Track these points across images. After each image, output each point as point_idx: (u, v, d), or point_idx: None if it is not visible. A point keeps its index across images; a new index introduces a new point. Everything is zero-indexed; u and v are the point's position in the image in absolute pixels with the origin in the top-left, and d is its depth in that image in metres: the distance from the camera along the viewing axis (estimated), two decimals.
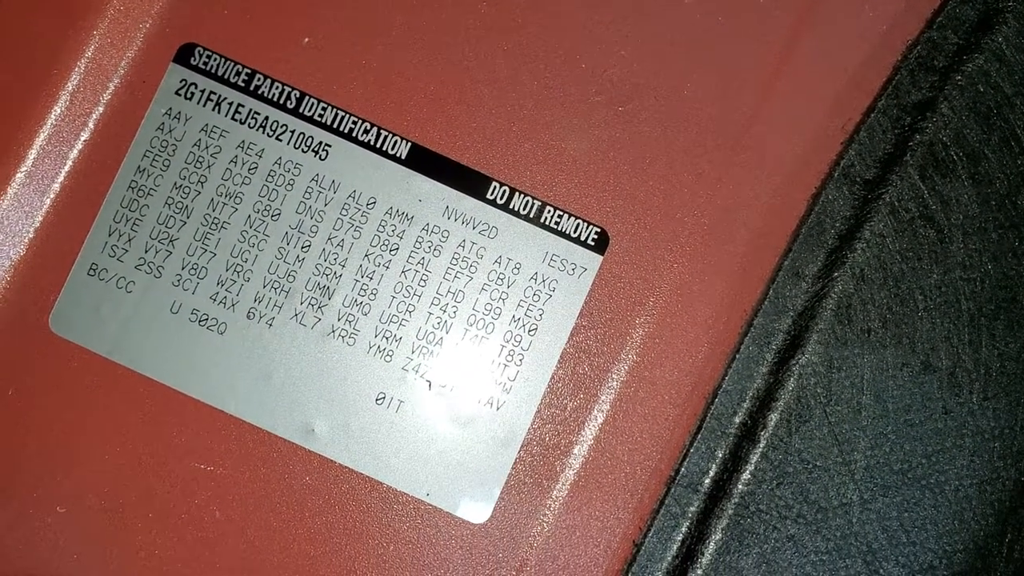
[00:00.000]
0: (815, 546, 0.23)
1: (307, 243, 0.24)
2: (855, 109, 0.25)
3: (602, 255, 0.25)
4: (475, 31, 0.25)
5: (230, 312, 0.24)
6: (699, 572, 0.23)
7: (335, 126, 0.25)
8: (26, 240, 0.24)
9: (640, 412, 0.24)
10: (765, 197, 0.25)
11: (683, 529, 0.24)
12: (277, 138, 0.24)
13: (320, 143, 0.25)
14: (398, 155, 0.25)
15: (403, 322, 0.24)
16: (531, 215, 0.25)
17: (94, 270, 0.24)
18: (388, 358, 0.24)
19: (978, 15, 0.25)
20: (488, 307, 0.25)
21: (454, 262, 0.24)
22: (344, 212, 0.24)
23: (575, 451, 0.24)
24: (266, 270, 0.24)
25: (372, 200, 0.24)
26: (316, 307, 0.24)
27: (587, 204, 0.25)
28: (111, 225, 0.24)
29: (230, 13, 0.25)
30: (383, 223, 0.24)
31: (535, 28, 0.25)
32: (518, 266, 0.25)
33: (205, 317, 0.24)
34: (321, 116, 0.25)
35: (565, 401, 0.24)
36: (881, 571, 0.23)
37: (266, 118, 0.25)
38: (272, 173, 0.24)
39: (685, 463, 0.24)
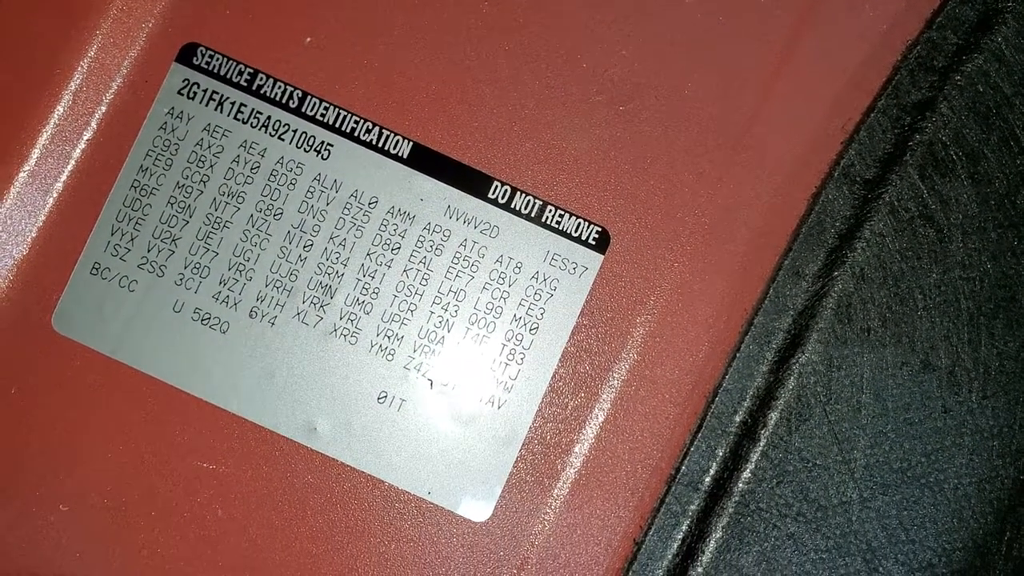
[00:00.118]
0: (815, 544, 0.23)
1: (309, 242, 0.24)
2: (855, 109, 0.25)
3: (603, 254, 0.25)
4: (477, 31, 0.25)
5: (232, 311, 0.24)
6: (700, 570, 0.23)
7: (337, 126, 0.25)
8: (29, 239, 0.24)
9: (641, 411, 0.24)
10: (766, 196, 0.25)
11: (684, 527, 0.24)
12: (279, 137, 0.25)
13: (322, 143, 0.25)
14: (400, 154, 0.25)
15: (405, 321, 0.24)
16: (532, 214, 0.25)
17: (97, 269, 0.24)
18: (390, 357, 0.24)
19: (977, 15, 0.25)
20: (490, 306, 0.25)
21: (456, 261, 0.25)
22: (346, 211, 0.24)
23: (576, 449, 0.24)
24: (268, 269, 0.24)
25: (374, 199, 0.25)
26: (318, 306, 0.24)
27: (588, 203, 0.25)
28: (114, 224, 0.24)
29: (232, 13, 0.25)
30: (385, 222, 0.25)
31: (536, 28, 0.25)
32: (519, 265, 0.25)
33: (208, 316, 0.24)
34: (323, 116, 0.25)
35: (566, 400, 0.25)
36: (880, 569, 0.23)
37: (268, 118, 0.25)
38: (274, 172, 0.24)
39: (686, 461, 0.24)
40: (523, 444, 0.24)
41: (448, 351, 0.24)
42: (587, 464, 0.24)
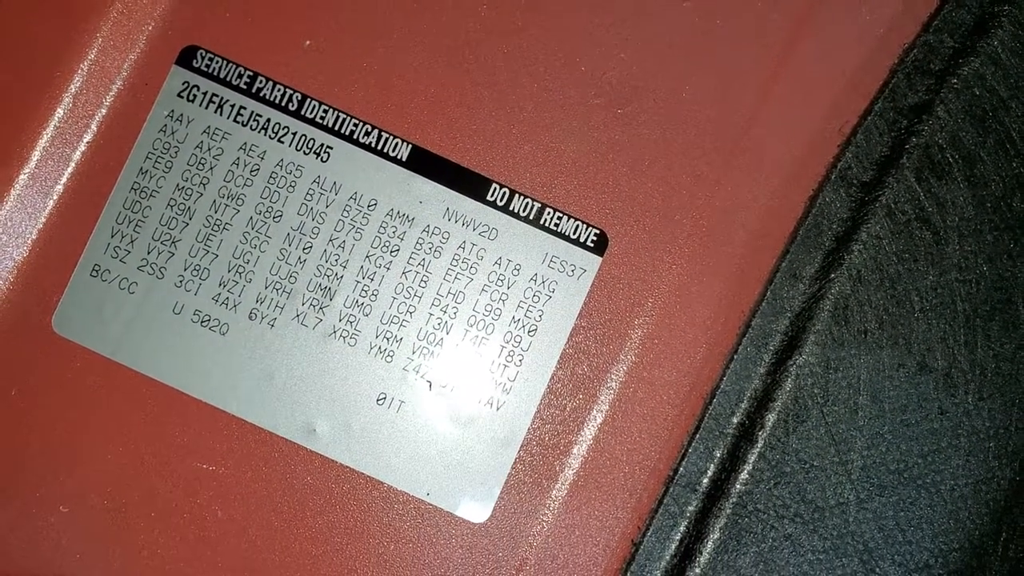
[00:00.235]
0: (812, 545, 0.24)
1: (309, 244, 0.24)
2: (852, 112, 0.25)
3: (601, 256, 0.25)
4: (475, 34, 0.25)
5: (232, 313, 0.24)
6: (697, 571, 0.24)
7: (336, 128, 0.25)
8: (29, 241, 0.24)
9: (639, 412, 0.25)
10: (763, 199, 0.25)
11: (681, 528, 0.24)
12: (279, 140, 0.25)
13: (321, 145, 0.25)
14: (399, 157, 0.25)
15: (404, 323, 0.25)
16: (531, 217, 0.25)
17: (97, 271, 0.24)
18: (389, 359, 0.24)
19: (974, 19, 0.25)
20: (488, 308, 0.25)
21: (454, 263, 0.25)
22: (345, 214, 0.25)
23: (574, 451, 0.24)
24: (268, 271, 0.24)
25: (373, 202, 0.25)
26: (317, 308, 0.24)
27: (586, 206, 0.25)
28: (114, 226, 0.24)
29: (232, 16, 0.25)
30: (384, 225, 0.25)
31: (535, 31, 0.25)
32: (518, 267, 0.25)
33: (207, 318, 0.24)
34: (322, 118, 0.25)
35: (564, 401, 0.25)
36: (877, 570, 0.24)
37: (268, 120, 0.25)
38: (274, 175, 0.25)
39: (683, 463, 0.24)
40: (521, 445, 0.24)
41: (447, 353, 0.25)
42: (585, 465, 0.24)
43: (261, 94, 0.25)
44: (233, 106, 0.25)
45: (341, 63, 0.25)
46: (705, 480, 0.24)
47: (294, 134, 0.25)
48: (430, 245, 0.25)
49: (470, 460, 0.24)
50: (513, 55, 0.25)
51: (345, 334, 0.24)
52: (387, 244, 0.25)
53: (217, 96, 0.25)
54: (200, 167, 0.25)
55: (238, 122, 0.25)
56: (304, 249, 0.24)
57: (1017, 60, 0.25)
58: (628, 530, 0.24)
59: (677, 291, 0.25)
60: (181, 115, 0.25)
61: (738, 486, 0.24)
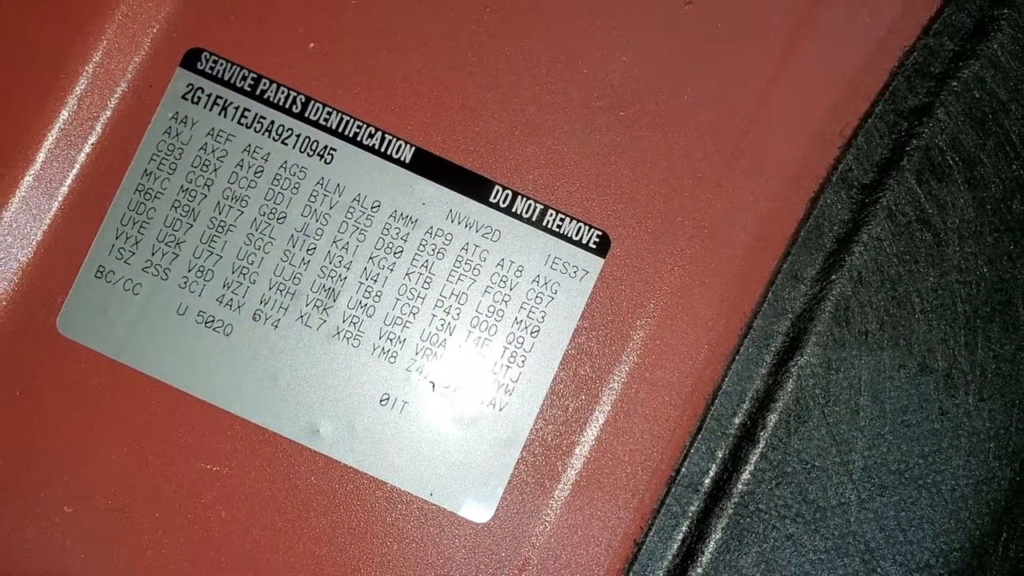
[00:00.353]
0: (814, 545, 0.24)
1: (312, 246, 0.25)
2: (853, 114, 0.25)
3: (603, 258, 0.25)
4: (478, 36, 0.25)
5: (236, 314, 0.25)
6: (699, 571, 0.24)
7: (340, 130, 0.25)
8: (34, 242, 0.24)
9: (641, 413, 0.25)
10: (764, 201, 0.25)
11: (683, 528, 0.24)
12: (283, 142, 0.25)
13: (325, 147, 0.25)
14: (402, 159, 0.25)
15: (407, 324, 0.25)
16: (533, 218, 0.25)
17: (101, 272, 0.25)
18: (392, 359, 0.25)
19: (974, 22, 0.25)
20: (491, 309, 0.25)
21: (457, 265, 0.25)
22: (349, 215, 0.25)
23: (577, 451, 0.25)
24: (272, 272, 0.25)
25: (376, 204, 0.25)
26: (321, 309, 0.25)
27: (588, 207, 0.25)
28: (118, 228, 0.25)
29: (236, 18, 0.25)
30: (387, 226, 0.25)
31: (537, 34, 0.25)
32: (520, 269, 0.25)
33: (211, 319, 0.24)
34: (326, 120, 0.25)
35: (567, 402, 0.25)
36: (879, 570, 0.24)
37: (272, 122, 0.25)
38: (278, 177, 0.25)
39: (685, 463, 0.24)
40: (524, 446, 0.25)
41: (450, 354, 0.25)
42: (588, 466, 0.25)
43: (265, 96, 0.25)
44: (237, 108, 0.25)
45: (345, 65, 0.25)
46: (707, 480, 0.24)
47: (298, 136, 0.25)
48: (433, 247, 0.25)
49: (473, 460, 0.25)
50: (516, 58, 0.25)
51: (349, 335, 0.25)
52: (390, 245, 0.25)
53: (221, 98, 0.25)
54: (204, 169, 0.25)
55: (242, 124, 0.25)
56: (308, 250, 0.25)
57: (1017, 63, 0.25)
58: (630, 530, 0.24)
59: (679, 292, 0.25)
60: (185, 117, 0.25)
61: (740, 486, 0.24)
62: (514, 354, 0.25)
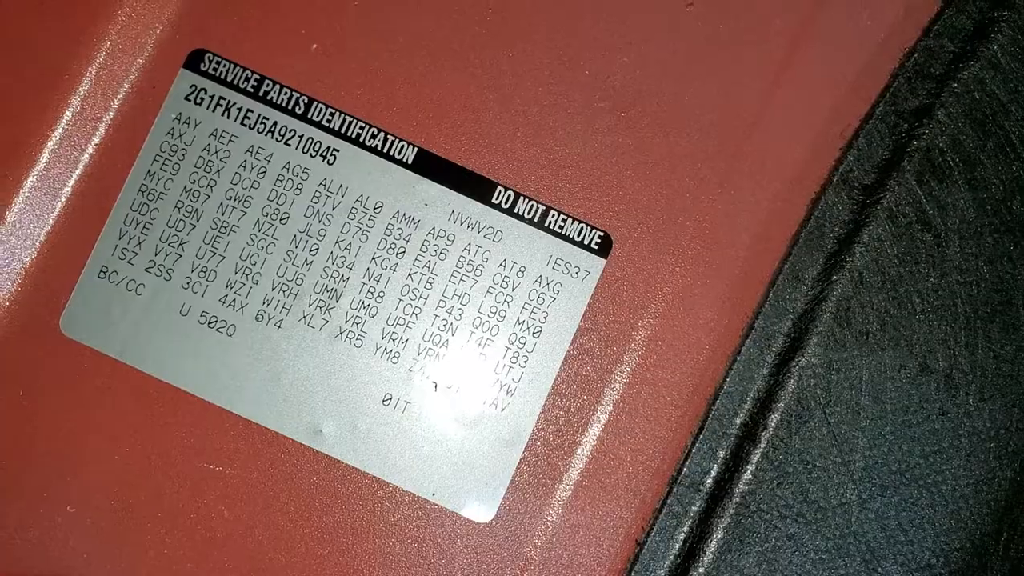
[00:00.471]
0: (815, 545, 0.24)
1: (315, 246, 0.25)
2: (854, 116, 0.25)
3: (605, 259, 0.25)
4: (481, 38, 0.25)
5: (239, 314, 0.25)
6: (701, 570, 0.24)
7: (343, 131, 0.25)
8: (38, 243, 0.25)
9: (643, 413, 0.25)
10: (765, 202, 0.25)
11: (685, 528, 0.24)
12: (285, 143, 0.25)
13: (328, 148, 0.25)
14: (405, 160, 0.25)
15: (409, 324, 0.25)
16: (535, 219, 0.25)
17: (104, 272, 0.25)
18: (395, 360, 0.25)
19: (974, 24, 0.25)
20: (493, 310, 0.25)
21: (460, 265, 0.25)
22: (351, 216, 0.25)
23: (579, 451, 0.25)
24: (274, 273, 0.25)
25: (379, 204, 0.25)
26: (324, 309, 0.25)
27: (590, 208, 0.25)
28: (121, 228, 0.25)
29: (239, 20, 0.25)
30: (390, 227, 0.25)
31: (540, 35, 0.25)
32: (522, 269, 0.25)
33: (214, 319, 0.25)
34: (329, 121, 0.25)
35: (569, 402, 0.25)
36: (880, 569, 0.24)
37: (275, 123, 0.25)
38: (281, 177, 0.25)
39: (687, 463, 0.24)
40: (526, 446, 0.25)
41: (452, 354, 0.25)
42: (590, 466, 0.25)
43: (268, 97, 0.25)
44: (240, 109, 0.25)
45: (347, 67, 0.25)
46: (708, 480, 0.24)
47: (301, 137, 0.25)
48: (436, 247, 0.25)
49: (475, 460, 0.25)
50: (518, 59, 0.25)
51: (351, 335, 0.25)
52: (393, 246, 0.25)
53: (224, 99, 0.25)
54: (207, 170, 0.25)
55: (245, 125, 0.25)
56: (310, 251, 0.25)
57: (1017, 64, 0.25)
58: (632, 530, 0.24)
59: (680, 293, 0.25)
60: (188, 118, 0.25)
61: (741, 486, 0.24)
62: (516, 354, 0.25)
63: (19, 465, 0.24)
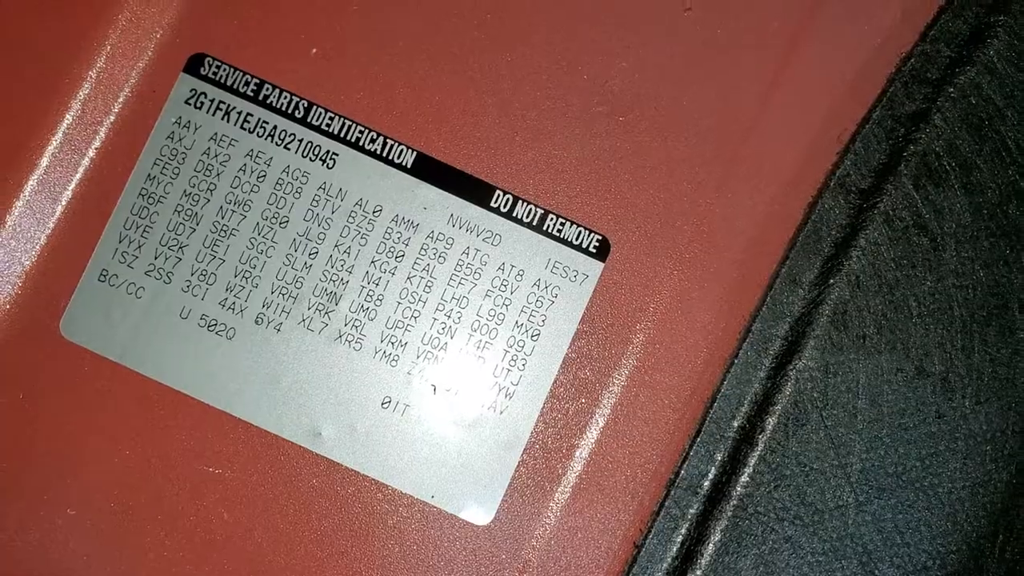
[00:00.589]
0: (812, 547, 0.24)
1: (315, 250, 0.25)
2: (850, 120, 0.26)
3: (603, 262, 0.25)
4: (479, 42, 0.25)
5: (238, 317, 0.25)
6: (699, 573, 0.24)
7: (342, 135, 0.25)
8: (38, 246, 0.25)
9: (640, 416, 0.25)
10: (763, 206, 0.25)
11: (683, 531, 0.24)
12: (285, 147, 0.25)
13: (327, 152, 0.25)
14: (404, 164, 0.25)
15: (408, 327, 0.25)
16: (534, 223, 0.25)
17: (104, 276, 0.25)
18: (394, 363, 0.25)
19: (970, 29, 0.26)
20: (492, 313, 0.25)
21: (459, 269, 0.25)
22: (351, 220, 0.25)
23: (577, 454, 0.25)
24: (274, 276, 0.25)
25: (378, 208, 0.25)
26: (323, 312, 0.25)
27: (589, 212, 0.25)
28: (122, 232, 0.25)
29: (239, 24, 0.25)
30: (389, 230, 0.25)
31: (538, 40, 0.25)
32: (521, 273, 0.25)
33: (214, 322, 0.25)
34: (328, 125, 0.25)
35: (567, 405, 0.25)
36: (876, 572, 0.24)
37: (274, 127, 0.25)
38: (280, 181, 0.25)
39: (685, 466, 0.24)
40: (525, 449, 0.25)
41: (451, 357, 0.25)
42: (588, 468, 0.25)
43: (268, 101, 0.25)
44: (240, 113, 0.25)
45: (347, 71, 0.25)
46: (706, 483, 0.24)
47: (300, 141, 0.25)
48: (435, 251, 0.25)
49: (474, 463, 0.25)
50: (517, 63, 0.25)
51: (350, 338, 0.25)
52: (392, 250, 0.25)
53: (224, 103, 0.25)
54: (207, 173, 0.25)
55: (245, 129, 0.25)
56: (310, 255, 0.25)
57: (1013, 69, 0.25)
58: (630, 532, 0.25)
59: (678, 296, 0.25)
60: (188, 122, 0.25)
61: (739, 489, 0.24)
62: (515, 357, 0.25)
63: (19, 467, 0.25)
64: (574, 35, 0.25)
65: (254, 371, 0.25)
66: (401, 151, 0.25)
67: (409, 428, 0.25)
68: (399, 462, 0.25)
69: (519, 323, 0.25)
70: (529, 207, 0.25)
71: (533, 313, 0.25)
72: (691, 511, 0.24)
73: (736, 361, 0.25)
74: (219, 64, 0.25)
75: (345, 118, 0.25)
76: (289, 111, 0.25)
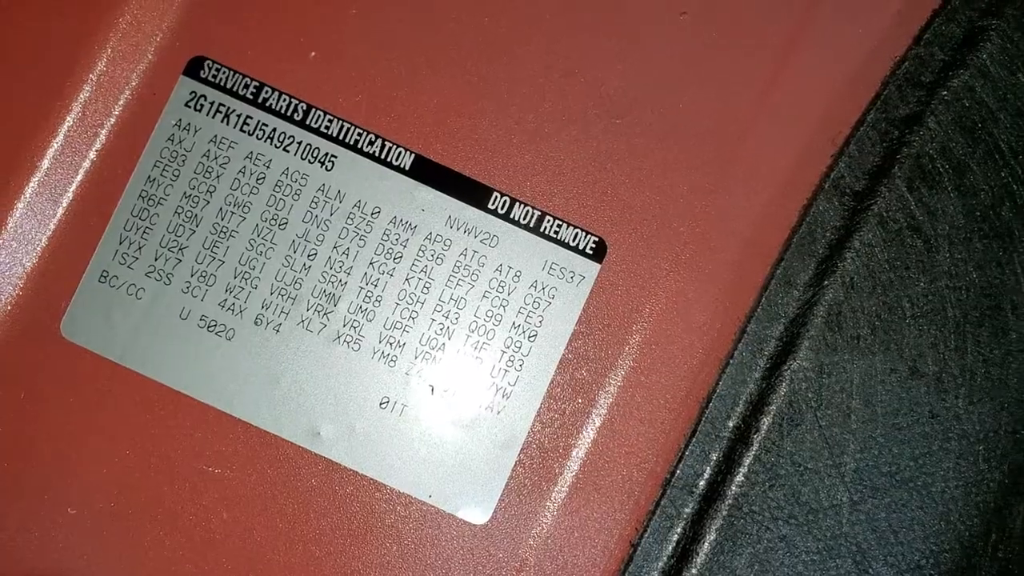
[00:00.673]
0: (806, 546, 0.24)
1: (313, 251, 0.25)
2: (845, 123, 0.26)
3: (600, 263, 0.25)
4: (477, 46, 0.25)
5: (238, 318, 0.25)
6: (694, 572, 0.24)
7: (341, 138, 0.25)
8: (39, 247, 0.25)
9: (637, 416, 0.25)
10: (758, 208, 0.25)
11: (678, 530, 0.24)
12: (284, 149, 0.25)
13: (326, 154, 0.25)
14: (402, 166, 0.25)
15: (407, 328, 0.25)
16: (531, 224, 0.25)
17: (105, 277, 0.25)
18: (392, 363, 0.25)
19: (964, 32, 0.26)
20: (489, 314, 0.25)
21: (456, 270, 0.25)
22: (349, 221, 0.25)
23: (574, 454, 0.25)
24: (273, 277, 0.25)
25: (377, 210, 0.25)
26: (322, 313, 0.25)
27: (585, 214, 0.25)
28: (122, 233, 0.25)
29: (239, 27, 0.25)
30: (387, 232, 0.25)
31: (536, 43, 0.25)
32: (518, 274, 0.25)
33: (213, 323, 0.25)
34: (327, 128, 0.25)
35: (564, 405, 0.25)
36: (870, 571, 0.24)
37: (274, 130, 0.25)
38: (279, 183, 0.25)
39: (680, 466, 0.25)
40: (522, 448, 0.25)
41: (449, 358, 0.25)
42: (584, 468, 0.25)
43: (267, 104, 0.25)
44: (240, 116, 0.25)
45: (345, 74, 0.25)
46: (701, 483, 0.25)
47: (299, 143, 0.25)
48: (432, 252, 0.25)
49: (471, 463, 0.25)
50: (514, 67, 0.25)
51: (349, 339, 0.25)
52: (390, 251, 0.25)
53: (224, 106, 0.25)
54: (207, 175, 0.25)
55: (244, 131, 0.25)
56: (309, 256, 0.25)
57: (1006, 73, 0.25)
58: (626, 532, 0.25)
59: (674, 297, 0.25)
60: (188, 124, 0.25)
61: (734, 488, 0.24)
62: (512, 358, 0.25)
63: (20, 467, 0.25)
64: (571, 38, 0.26)
65: (253, 371, 0.25)
66: (399, 153, 0.25)
67: (407, 428, 0.25)
68: (397, 462, 0.25)
69: (516, 324, 0.25)
70: (526, 209, 0.25)
71: (530, 314, 0.25)
72: (687, 510, 0.24)
73: (731, 361, 0.25)
74: (219, 67, 0.25)
75: (344, 120, 0.25)
76: (288, 114, 0.25)
